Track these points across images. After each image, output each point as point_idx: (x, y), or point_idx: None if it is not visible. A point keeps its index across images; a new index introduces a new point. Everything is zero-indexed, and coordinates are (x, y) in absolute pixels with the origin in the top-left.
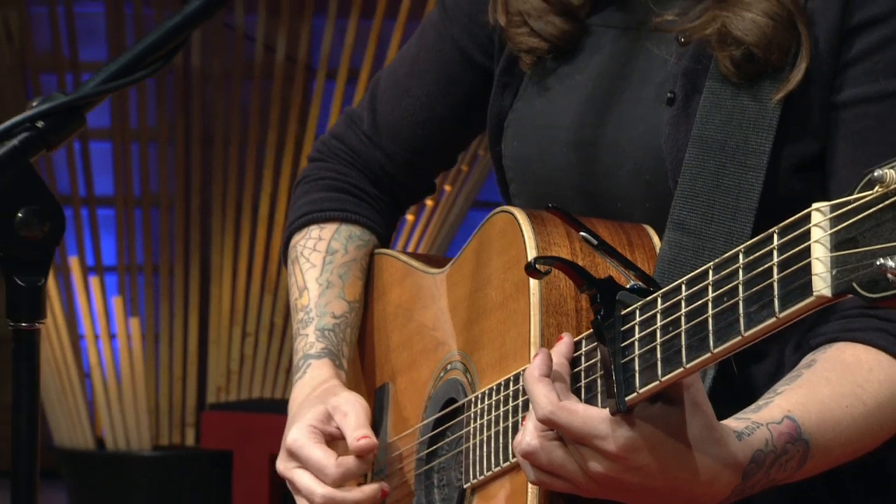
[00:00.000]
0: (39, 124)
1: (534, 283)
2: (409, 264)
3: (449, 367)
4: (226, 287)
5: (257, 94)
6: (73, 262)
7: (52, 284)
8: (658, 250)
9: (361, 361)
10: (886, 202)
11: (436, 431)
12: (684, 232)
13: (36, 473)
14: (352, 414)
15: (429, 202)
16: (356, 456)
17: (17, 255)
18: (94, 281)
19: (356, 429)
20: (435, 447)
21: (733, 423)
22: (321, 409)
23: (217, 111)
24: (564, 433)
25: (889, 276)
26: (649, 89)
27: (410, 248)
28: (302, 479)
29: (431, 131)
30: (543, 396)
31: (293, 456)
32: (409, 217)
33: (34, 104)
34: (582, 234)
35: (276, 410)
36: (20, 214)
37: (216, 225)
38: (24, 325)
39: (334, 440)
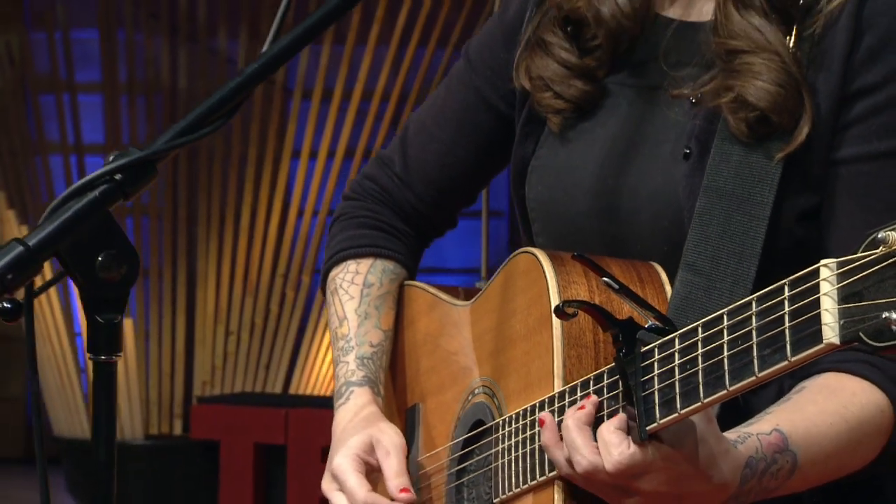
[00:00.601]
0: (118, 177)
1: (556, 318)
2: (436, 296)
3: (477, 391)
4: (210, 290)
5: (239, 113)
6: None
7: (52, 289)
8: (666, 286)
9: (393, 383)
10: (889, 261)
11: (466, 450)
12: (695, 273)
13: (113, 500)
14: (393, 455)
15: None
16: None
17: (97, 295)
18: None
19: (398, 475)
20: (465, 464)
21: (728, 434)
22: (365, 439)
23: None
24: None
25: (893, 327)
26: (665, 145)
27: None
28: (339, 501)
29: (457, 172)
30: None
31: (335, 478)
32: None
33: (111, 159)
34: (604, 279)
35: (260, 403)
36: (100, 258)
37: (202, 233)
38: (103, 357)
39: (372, 469)
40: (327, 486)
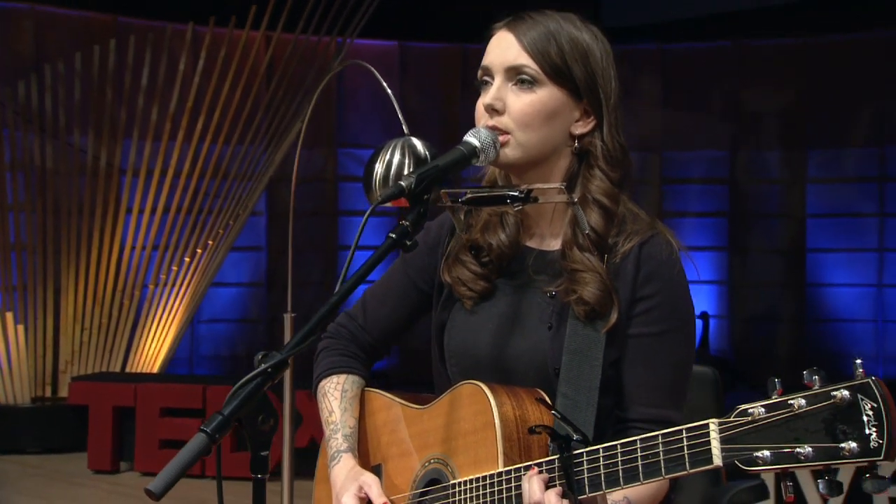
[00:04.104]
0: (269, 370)
1: (498, 423)
2: (392, 399)
3: (432, 461)
4: (70, 300)
5: (88, 185)
6: None
7: None
8: (546, 401)
9: (359, 450)
10: (752, 426)
11: (423, 499)
12: (566, 398)
13: None
14: (374, 486)
15: (199, 251)
16: None
17: (257, 440)
18: None
19: (379, 497)
20: None
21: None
22: (357, 485)
23: (63, 195)
24: None
25: (759, 461)
26: (535, 321)
27: (188, 279)
28: None
29: (396, 326)
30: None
31: None
32: (187, 259)
33: (260, 357)
34: (553, 412)
35: (115, 379)
36: (260, 418)
37: (64, 262)
38: (259, 476)
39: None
40: None
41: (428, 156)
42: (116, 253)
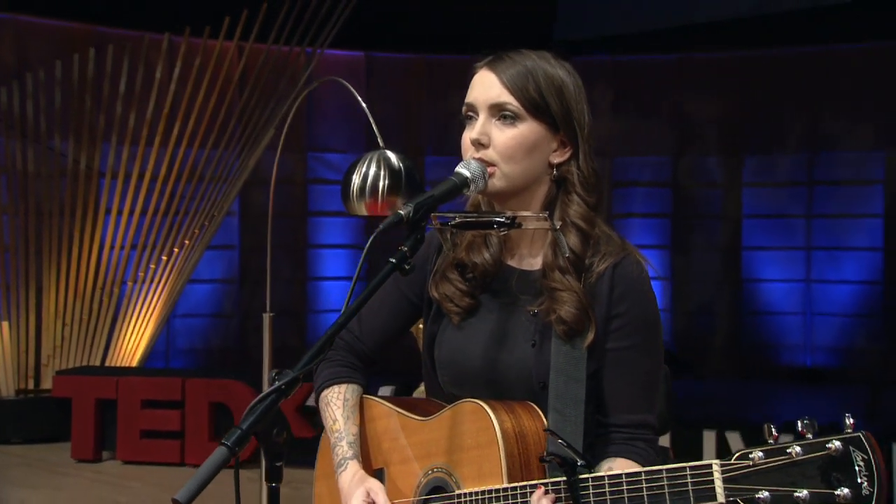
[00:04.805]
0: (283, 387)
1: (501, 441)
2: (391, 408)
3: (436, 469)
4: (52, 297)
5: (69, 188)
6: None
7: None
8: (543, 419)
9: (361, 454)
10: (752, 469)
11: None
12: (557, 412)
13: None
14: (381, 494)
15: (175, 249)
16: None
17: (272, 452)
18: None
19: (386, 502)
20: None
21: None
22: (364, 490)
23: (44, 197)
24: None
25: (760, 502)
26: (519, 337)
27: (165, 277)
28: None
29: (389, 335)
30: None
31: None
32: (164, 258)
33: (274, 375)
34: (559, 440)
35: (98, 374)
36: (275, 431)
37: (45, 261)
38: (273, 485)
39: None
40: None
41: (402, 167)
42: (96, 252)
